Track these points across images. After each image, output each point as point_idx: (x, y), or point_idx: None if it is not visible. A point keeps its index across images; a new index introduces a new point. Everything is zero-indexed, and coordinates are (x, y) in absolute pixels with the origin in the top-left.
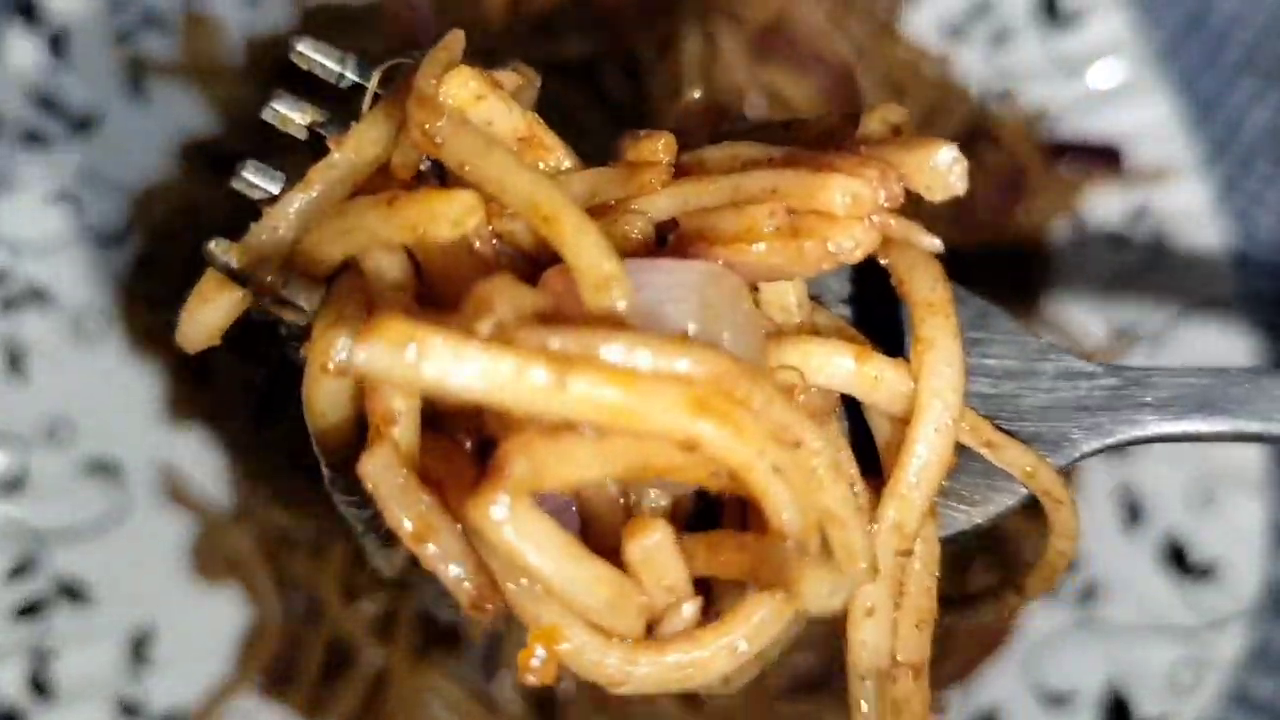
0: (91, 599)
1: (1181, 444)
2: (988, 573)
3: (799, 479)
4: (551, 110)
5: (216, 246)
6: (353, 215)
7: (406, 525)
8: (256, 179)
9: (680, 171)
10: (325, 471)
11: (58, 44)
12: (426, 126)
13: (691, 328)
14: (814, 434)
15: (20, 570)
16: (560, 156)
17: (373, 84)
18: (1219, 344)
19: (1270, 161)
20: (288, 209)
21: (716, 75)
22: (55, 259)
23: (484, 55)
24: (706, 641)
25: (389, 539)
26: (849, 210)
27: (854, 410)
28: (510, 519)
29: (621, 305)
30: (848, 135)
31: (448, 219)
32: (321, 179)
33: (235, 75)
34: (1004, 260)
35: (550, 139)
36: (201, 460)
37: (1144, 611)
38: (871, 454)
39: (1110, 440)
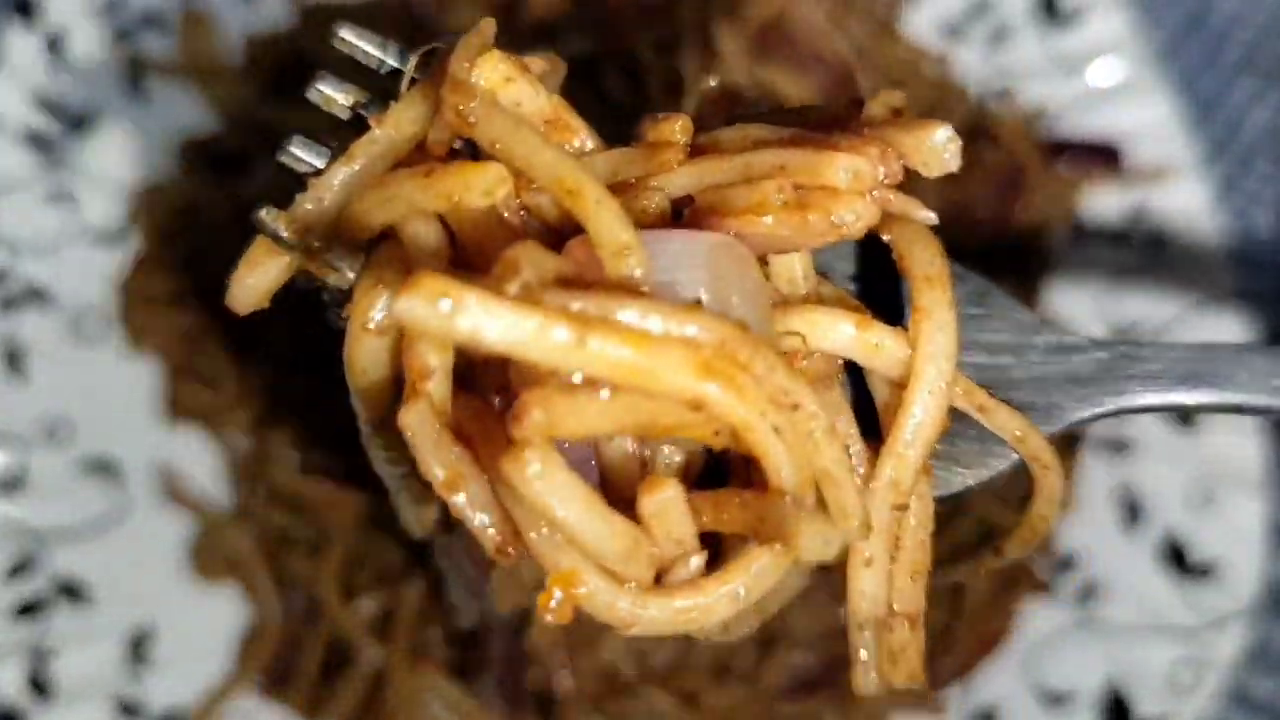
0: (91, 599)
1: (1180, 444)
2: (987, 576)
3: (796, 440)
4: None
5: (266, 214)
6: (393, 185)
7: (438, 474)
8: (302, 153)
9: (696, 152)
10: (364, 429)
11: (56, 44)
12: (460, 107)
13: (702, 292)
14: (812, 399)
15: (20, 570)
16: (584, 137)
17: (410, 67)
18: None
19: (1270, 161)
20: (332, 180)
21: (716, 75)
22: (55, 259)
23: None
24: (710, 589)
25: (421, 496)
26: (851, 185)
27: (857, 377)
28: (541, 474)
29: (638, 272)
30: (852, 119)
31: (480, 189)
32: (363, 153)
33: (234, 74)
34: (1003, 258)
35: (575, 121)
36: (201, 460)
37: (1144, 611)
38: (874, 419)
39: (1098, 410)
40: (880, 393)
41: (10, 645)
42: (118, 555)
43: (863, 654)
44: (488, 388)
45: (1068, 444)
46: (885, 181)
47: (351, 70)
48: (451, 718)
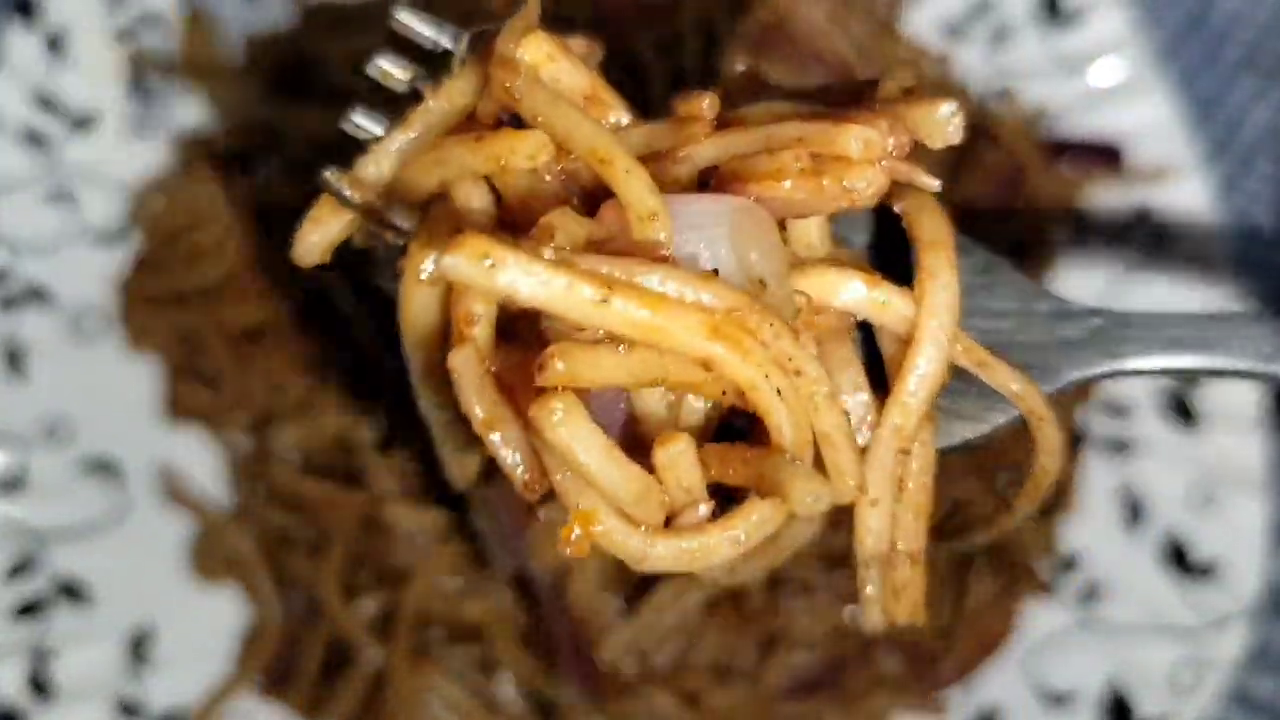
0: (91, 599)
1: (1181, 444)
2: (989, 576)
3: (798, 403)
4: None
5: (331, 175)
6: (445, 150)
7: (478, 413)
8: (364, 121)
9: (722, 126)
10: (413, 378)
11: (57, 43)
12: (506, 84)
13: (723, 251)
14: (815, 366)
15: (20, 570)
16: (620, 113)
17: (461, 46)
18: None
19: (1270, 161)
20: (390, 146)
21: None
22: (55, 258)
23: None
24: (713, 533)
25: (465, 444)
26: (863, 154)
27: (868, 336)
28: (564, 421)
29: (662, 235)
30: (867, 96)
31: (524, 153)
32: (420, 121)
33: (235, 74)
34: (1003, 258)
35: (611, 97)
36: (201, 460)
37: (1144, 611)
38: (884, 376)
39: (1092, 371)
40: (888, 348)
41: (10, 645)
42: (118, 555)
43: (869, 589)
44: (530, 343)
45: (1070, 444)
46: (894, 152)
47: (399, 50)
48: (451, 718)
